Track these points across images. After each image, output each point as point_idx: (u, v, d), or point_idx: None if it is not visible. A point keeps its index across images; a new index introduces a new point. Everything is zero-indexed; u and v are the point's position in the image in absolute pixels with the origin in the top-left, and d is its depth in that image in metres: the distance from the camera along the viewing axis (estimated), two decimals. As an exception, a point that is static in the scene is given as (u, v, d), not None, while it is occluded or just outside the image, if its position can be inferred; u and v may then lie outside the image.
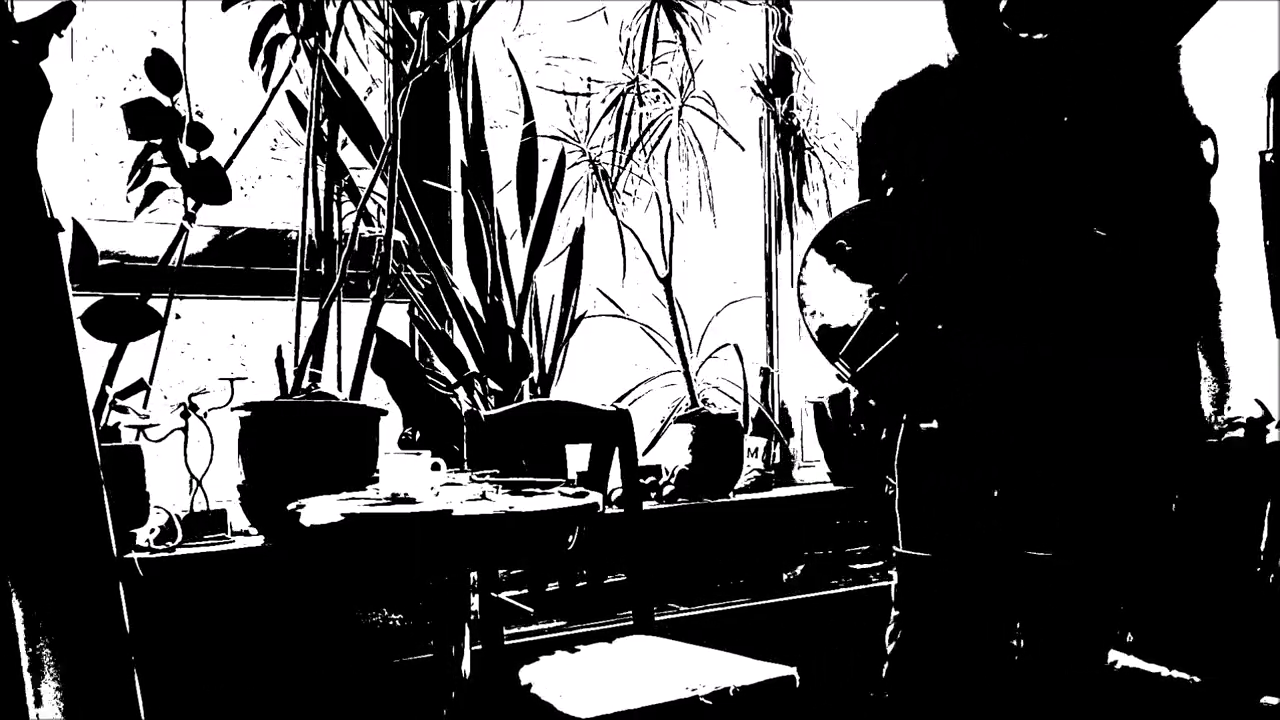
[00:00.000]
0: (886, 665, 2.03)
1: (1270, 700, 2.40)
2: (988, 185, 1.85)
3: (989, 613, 1.96)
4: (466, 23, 2.49)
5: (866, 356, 1.90)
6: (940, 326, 1.87)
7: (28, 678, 1.48)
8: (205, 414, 2.13)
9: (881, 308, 1.88)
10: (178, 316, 2.28)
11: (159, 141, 2.09)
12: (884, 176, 1.99)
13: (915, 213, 1.91)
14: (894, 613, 2.03)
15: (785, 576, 2.94)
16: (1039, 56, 1.84)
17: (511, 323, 2.60)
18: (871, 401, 2.08)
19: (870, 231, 1.96)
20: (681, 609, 2.68)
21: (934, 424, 1.92)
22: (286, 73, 2.31)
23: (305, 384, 2.23)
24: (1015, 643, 1.97)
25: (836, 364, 1.93)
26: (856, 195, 2.11)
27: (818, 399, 3.14)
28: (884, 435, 2.12)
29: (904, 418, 1.99)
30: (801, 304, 1.98)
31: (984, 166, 1.85)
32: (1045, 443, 1.87)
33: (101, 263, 2.09)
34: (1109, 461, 1.91)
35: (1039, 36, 1.83)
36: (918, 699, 1.98)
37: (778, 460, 3.19)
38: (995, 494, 1.91)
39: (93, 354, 1.92)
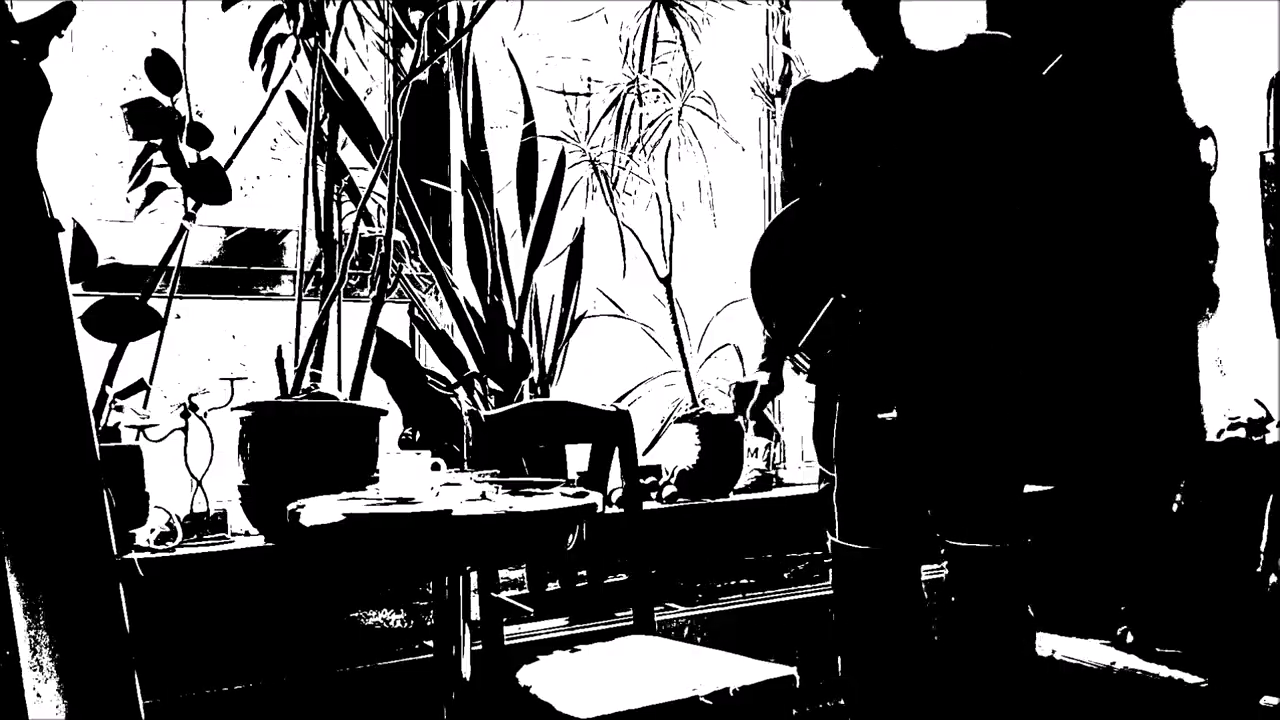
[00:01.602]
0: (839, 660, 2.09)
1: (1270, 700, 2.40)
2: (923, 172, 1.90)
3: (917, 602, 2.03)
4: (466, 23, 2.49)
5: (823, 349, 1.95)
6: (886, 315, 1.91)
7: (28, 677, 1.48)
8: (205, 414, 2.13)
9: (833, 300, 1.92)
10: (178, 316, 2.28)
11: (159, 141, 2.09)
12: (814, 169, 2.05)
13: (858, 205, 1.95)
14: (833, 596, 2.10)
15: (786, 576, 2.94)
16: (944, 63, 1.93)
17: (511, 323, 2.60)
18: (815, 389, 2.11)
19: (814, 227, 1.99)
20: (681, 609, 2.68)
21: (889, 415, 1.94)
22: (286, 73, 2.31)
23: (305, 384, 2.23)
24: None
25: (795, 358, 1.98)
26: (782, 186, 2.15)
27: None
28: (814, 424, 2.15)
29: (838, 407, 2.01)
30: (758, 303, 2.02)
31: (913, 155, 1.90)
32: (984, 433, 1.93)
33: (101, 263, 2.09)
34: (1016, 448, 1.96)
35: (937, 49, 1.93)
36: (864, 690, 2.03)
37: (777, 460, 3.19)
38: (931, 485, 1.97)
39: (93, 354, 1.92)
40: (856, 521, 2.01)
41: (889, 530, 2.00)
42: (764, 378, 2.12)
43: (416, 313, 2.56)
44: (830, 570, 2.07)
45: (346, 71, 2.42)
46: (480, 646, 2.06)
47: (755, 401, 2.11)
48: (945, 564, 2.01)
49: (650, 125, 2.95)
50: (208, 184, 2.12)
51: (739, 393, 2.13)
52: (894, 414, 1.93)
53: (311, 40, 2.28)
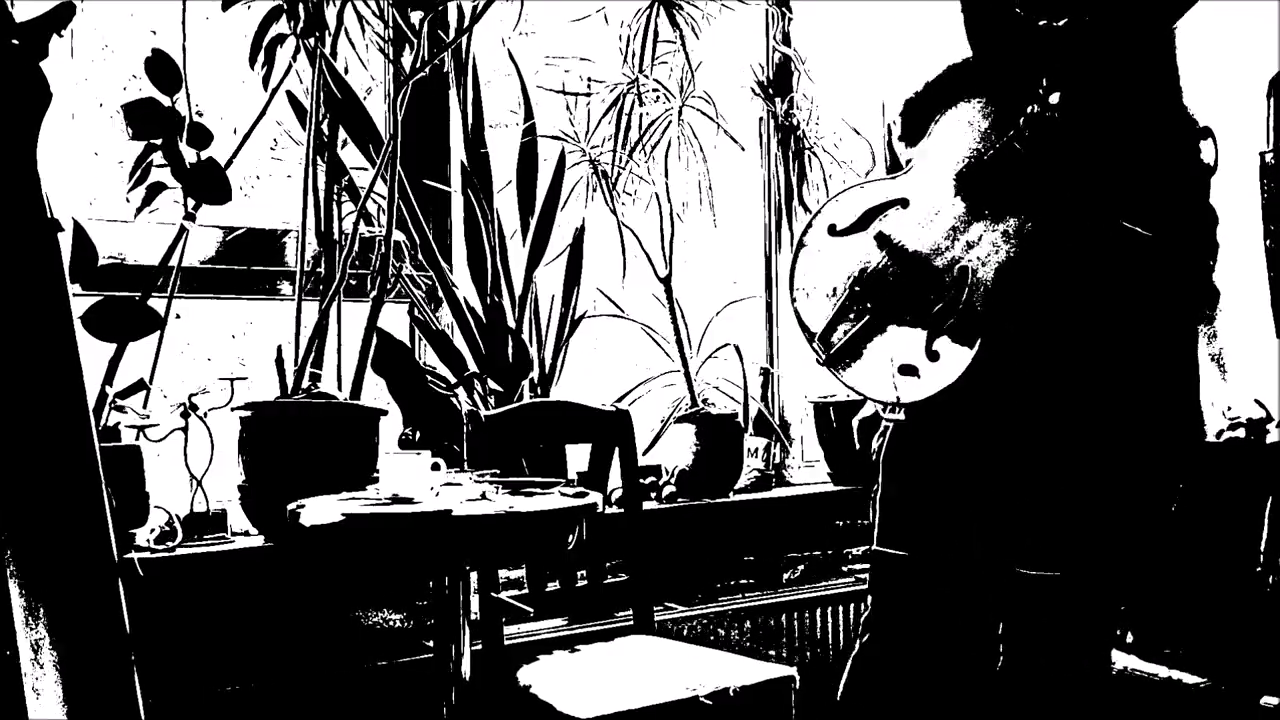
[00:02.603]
0: (850, 665, 1.93)
1: (1270, 700, 2.40)
2: (1000, 177, 1.80)
3: (968, 619, 1.85)
4: (466, 23, 2.49)
5: (844, 339, 1.84)
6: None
7: (28, 677, 1.48)
8: (205, 414, 2.13)
9: (855, 292, 1.83)
10: (178, 316, 2.28)
11: (159, 141, 2.09)
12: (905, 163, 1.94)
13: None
14: (865, 614, 1.93)
15: (785, 576, 2.94)
16: (1057, 42, 1.80)
17: (511, 323, 2.60)
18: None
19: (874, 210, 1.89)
20: (681, 609, 2.68)
21: (899, 415, 1.84)
22: (286, 73, 2.31)
23: (305, 384, 2.23)
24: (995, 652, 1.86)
25: (814, 345, 1.85)
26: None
27: (818, 399, 3.14)
28: (858, 423, 2.05)
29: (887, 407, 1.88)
30: (791, 282, 1.90)
31: (999, 158, 1.81)
32: (1037, 448, 1.79)
33: (101, 263, 2.09)
34: (1106, 468, 1.82)
35: (1059, 23, 1.80)
36: (885, 705, 1.89)
37: (778, 460, 3.19)
38: (980, 501, 1.82)
39: (93, 354, 1.91)
40: (896, 527, 1.87)
41: (931, 537, 1.84)
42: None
43: (416, 313, 2.56)
44: (868, 580, 1.93)
45: (346, 71, 2.42)
46: (480, 646, 2.06)
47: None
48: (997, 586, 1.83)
49: (650, 125, 2.95)
50: (208, 184, 2.12)
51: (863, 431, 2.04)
52: (901, 415, 1.83)
53: (311, 40, 2.28)
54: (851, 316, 1.85)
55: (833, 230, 1.93)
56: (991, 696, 1.81)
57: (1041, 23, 1.81)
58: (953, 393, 1.78)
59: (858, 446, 2.90)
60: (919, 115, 1.93)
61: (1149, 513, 1.91)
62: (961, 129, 1.87)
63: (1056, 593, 1.72)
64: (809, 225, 1.97)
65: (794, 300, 1.91)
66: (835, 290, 1.87)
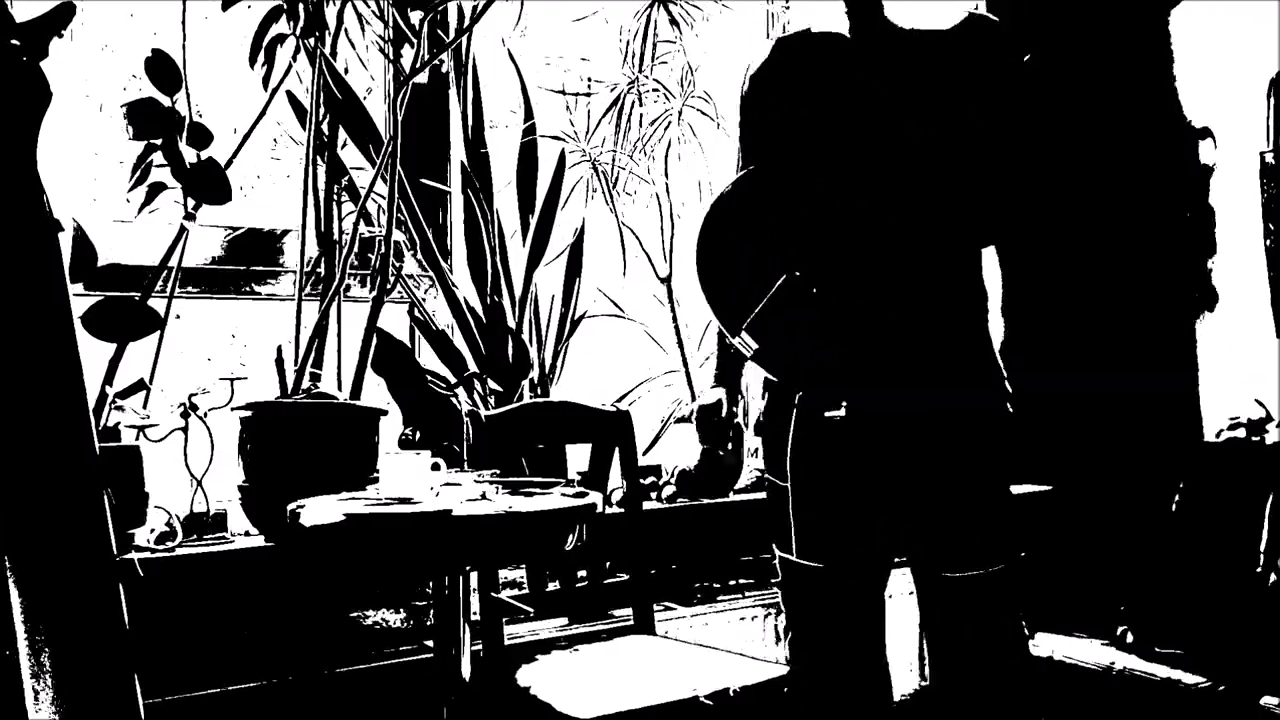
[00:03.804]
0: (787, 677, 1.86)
1: (1270, 700, 2.40)
2: (896, 148, 1.71)
3: (879, 624, 1.79)
4: (466, 23, 2.49)
5: (771, 330, 1.72)
6: (845, 296, 1.70)
7: (28, 678, 1.48)
8: (205, 414, 2.13)
9: (785, 278, 1.71)
10: (178, 316, 2.28)
11: (159, 141, 2.09)
12: (771, 138, 1.84)
13: (819, 172, 1.76)
14: (784, 622, 1.85)
15: (785, 576, 2.94)
16: (929, 40, 1.75)
17: (511, 323, 2.60)
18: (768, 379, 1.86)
19: (771, 196, 1.80)
20: (681, 609, 2.68)
21: (838, 412, 1.70)
22: (286, 73, 2.31)
23: (305, 384, 2.23)
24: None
25: (738, 338, 1.73)
26: (737, 163, 1.97)
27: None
28: (762, 421, 1.90)
29: (797, 403, 1.75)
30: (703, 280, 1.77)
31: (885, 130, 1.72)
32: (960, 447, 1.70)
33: (101, 263, 2.09)
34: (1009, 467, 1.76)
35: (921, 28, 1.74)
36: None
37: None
38: (900, 505, 1.73)
39: (93, 354, 1.91)
40: (810, 535, 1.75)
41: (846, 546, 1.73)
42: (716, 394, 1.91)
43: (416, 313, 2.56)
44: (781, 590, 1.82)
45: (346, 71, 2.42)
46: (480, 646, 2.06)
47: (714, 426, 1.90)
48: (916, 589, 1.78)
49: (650, 125, 2.95)
50: (208, 184, 2.12)
51: (701, 417, 1.91)
52: (842, 412, 1.69)
53: (311, 40, 2.28)
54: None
55: None
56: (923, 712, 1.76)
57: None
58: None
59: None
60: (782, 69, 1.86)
61: (1148, 510, 1.86)
62: None
63: (988, 590, 1.69)
64: None
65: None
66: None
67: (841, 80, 1.77)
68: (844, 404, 1.69)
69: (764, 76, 1.89)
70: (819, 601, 1.77)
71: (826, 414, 1.70)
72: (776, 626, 2.78)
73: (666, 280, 2.98)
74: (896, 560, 1.79)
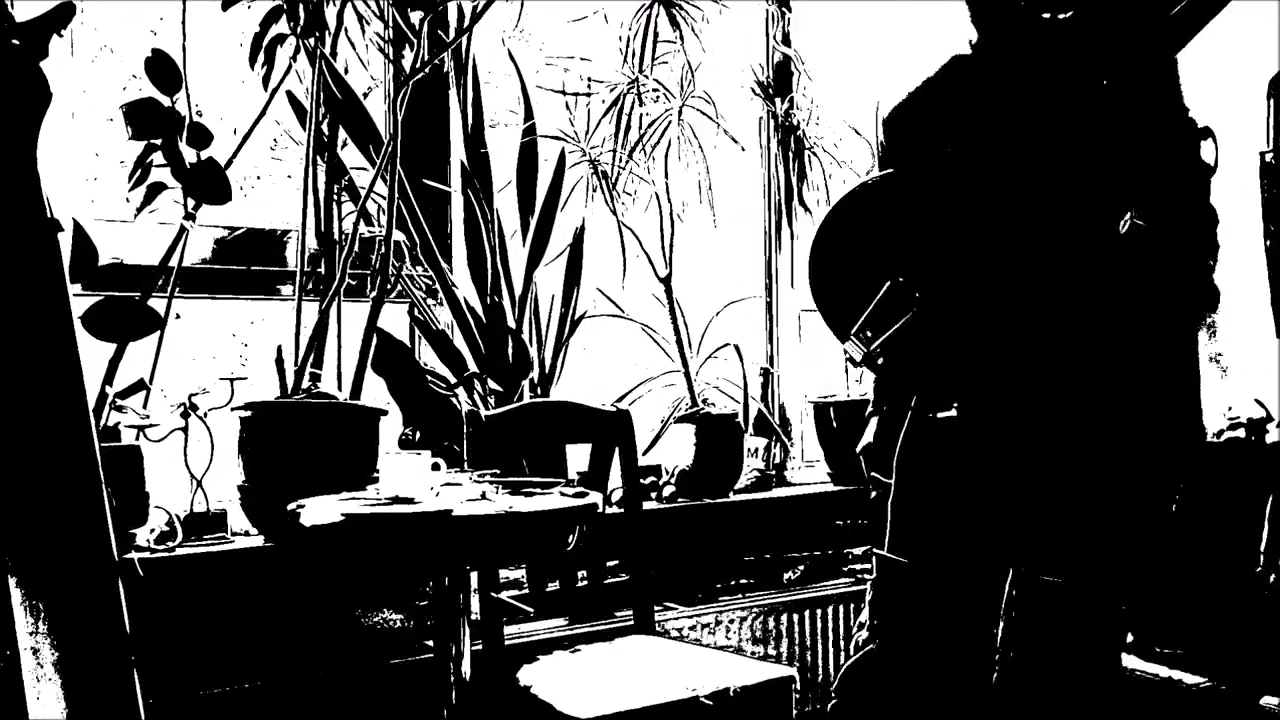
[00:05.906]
0: (846, 669, 1.88)
1: (1270, 700, 2.40)
2: (1017, 169, 1.75)
3: (975, 626, 1.80)
4: (466, 23, 2.49)
5: (881, 335, 1.75)
6: (959, 309, 1.72)
7: (28, 678, 1.48)
8: (205, 414, 2.13)
9: (900, 284, 1.74)
10: (178, 316, 2.28)
11: (159, 141, 2.09)
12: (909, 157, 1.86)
13: (942, 190, 1.79)
14: (865, 618, 1.88)
15: (786, 576, 2.94)
16: (1063, 37, 1.76)
17: (511, 323, 2.60)
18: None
19: (892, 206, 1.82)
20: (681, 609, 2.68)
21: (950, 413, 1.74)
22: (286, 73, 2.31)
23: (305, 384, 2.23)
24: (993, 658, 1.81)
25: (848, 343, 1.78)
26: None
27: (818, 399, 3.14)
28: (875, 426, 1.91)
29: (912, 405, 1.78)
30: (813, 278, 1.82)
31: (1013, 150, 1.75)
32: (1059, 455, 1.74)
33: (101, 263, 2.09)
34: (1122, 474, 1.79)
35: (1062, 16, 1.75)
36: (888, 711, 1.83)
37: (778, 460, 3.19)
38: (998, 508, 1.75)
39: (93, 354, 1.91)
40: (908, 533, 1.79)
41: (945, 549, 1.77)
42: (872, 427, 1.88)
43: (416, 313, 2.56)
44: (871, 586, 1.84)
45: (346, 71, 2.42)
46: (480, 646, 2.06)
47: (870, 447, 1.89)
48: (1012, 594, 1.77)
49: (650, 125, 2.95)
50: (208, 184, 2.12)
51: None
52: (953, 412, 1.73)
53: (311, 40, 2.28)
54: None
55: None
56: (989, 703, 1.78)
57: (1045, 15, 1.79)
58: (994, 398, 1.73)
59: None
60: (902, 125, 1.90)
61: (1151, 516, 1.88)
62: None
63: (1068, 597, 1.71)
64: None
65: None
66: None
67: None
68: (955, 405, 1.72)
69: (896, 117, 1.92)
70: (908, 598, 1.79)
71: (936, 415, 1.73)
72: (777, 626, 2.78)
73: (666, 280, 2.98)
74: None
